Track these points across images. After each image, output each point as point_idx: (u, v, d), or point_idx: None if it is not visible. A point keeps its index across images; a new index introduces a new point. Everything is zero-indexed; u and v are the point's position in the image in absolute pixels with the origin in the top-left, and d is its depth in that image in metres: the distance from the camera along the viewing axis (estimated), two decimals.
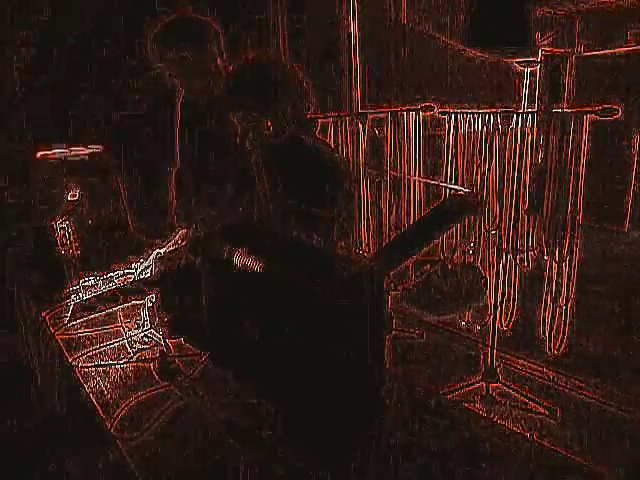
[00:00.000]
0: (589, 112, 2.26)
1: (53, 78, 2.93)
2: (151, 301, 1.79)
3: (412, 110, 3.01)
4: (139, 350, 1.69)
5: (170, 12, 1.84)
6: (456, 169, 2.84)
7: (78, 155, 2.31)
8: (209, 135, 1.94)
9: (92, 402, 1.42)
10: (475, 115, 2.66)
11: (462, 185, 2.77)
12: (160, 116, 2.36)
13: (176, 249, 2.06)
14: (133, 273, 2.08)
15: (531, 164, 2.58)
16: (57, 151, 2.31)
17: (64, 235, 2.08)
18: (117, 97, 3.16)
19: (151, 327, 1.80)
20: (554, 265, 2.53)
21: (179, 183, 2.19)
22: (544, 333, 2.64)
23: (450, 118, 2.78)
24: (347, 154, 3.29)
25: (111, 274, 2.06)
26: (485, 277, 2.76)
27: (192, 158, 2.11)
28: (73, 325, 1.88)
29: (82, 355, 1.67)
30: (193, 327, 1.63)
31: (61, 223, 2.07)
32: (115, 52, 3.08)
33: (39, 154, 2.36)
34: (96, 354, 1.68)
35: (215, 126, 1.84)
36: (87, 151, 2.34)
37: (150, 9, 2.35)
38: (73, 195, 2.42)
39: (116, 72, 3.11)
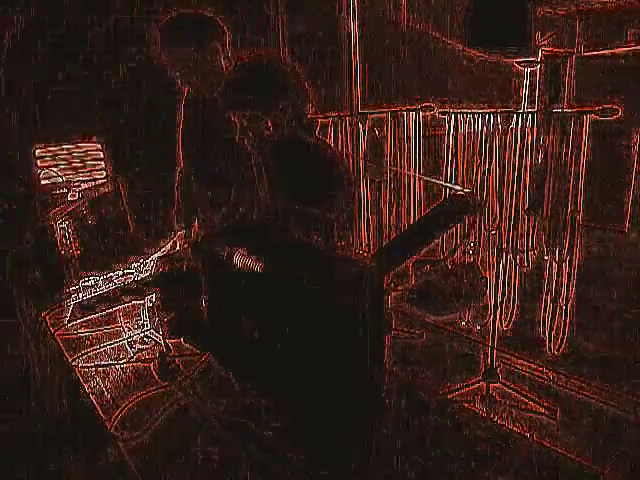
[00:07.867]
0: (589, 112, 2.27)
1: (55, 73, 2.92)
2: (151, 301, 1.79)
3: (412, 110, 3.02)
4: (139, 350, 1.69)
5: (175, 9, 1.82)
6: (456, 169, 2.84)
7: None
8: (211, 135, 1.94)
9: (92, 402, 1.42)
10: (475, 115, 2.66)
11: (462, 185, 2.77)
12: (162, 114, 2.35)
13: (176, 249, 2.07)
14: (133, 273, 2.08)
15: (531, 164, 2.57)
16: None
17: (64, 235, 2.08)
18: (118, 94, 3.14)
19: (151, 327, 1.80)
20: (554, 265, 2.53)
21: (181, 183, 2.19)
22: (544, 333, 2.64)
23: (450, 118, 2.78)
24: (347, 154, 3.29)
25: (111, 274, 2.06)
26: (485, 277, 2.76)
27: (194, 158, 2.11)
28: (73, 325, 1.88)
29: (82, 355, 1.67)
30: (193, 327, 1.63)
31: (61, 223, 2.07)
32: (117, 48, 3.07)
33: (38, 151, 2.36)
34: (96, 354, 1.68)
35: (217, 126, 1.83)
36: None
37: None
38: (73, 195, 2.42)
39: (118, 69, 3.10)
